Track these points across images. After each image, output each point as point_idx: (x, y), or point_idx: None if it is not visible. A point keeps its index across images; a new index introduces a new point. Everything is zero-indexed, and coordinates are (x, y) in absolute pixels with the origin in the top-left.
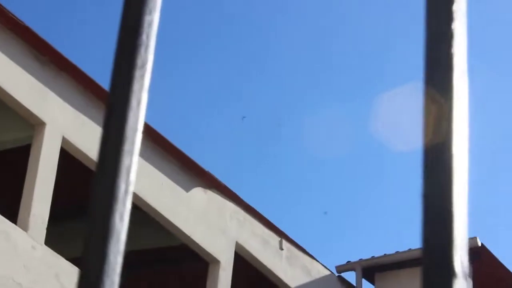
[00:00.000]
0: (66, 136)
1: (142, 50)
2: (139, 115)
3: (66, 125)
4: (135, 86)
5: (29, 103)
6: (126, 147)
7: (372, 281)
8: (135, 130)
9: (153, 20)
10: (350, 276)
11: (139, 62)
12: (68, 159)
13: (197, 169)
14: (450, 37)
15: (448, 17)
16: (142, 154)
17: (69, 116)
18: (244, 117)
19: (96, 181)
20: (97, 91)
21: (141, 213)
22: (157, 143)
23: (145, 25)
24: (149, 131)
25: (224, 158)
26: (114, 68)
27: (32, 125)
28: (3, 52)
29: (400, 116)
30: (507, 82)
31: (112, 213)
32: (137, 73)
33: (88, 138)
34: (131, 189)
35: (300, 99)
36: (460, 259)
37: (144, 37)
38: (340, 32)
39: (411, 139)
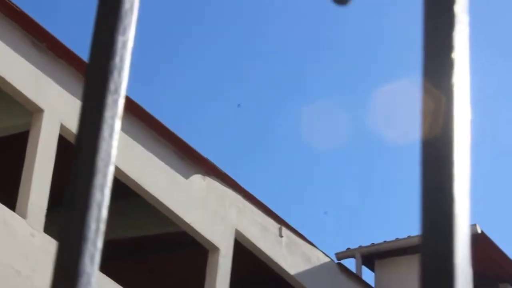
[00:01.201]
0: (64, 123)
1: (115, 74)
2: (111, 145)
3: (64, 111)
4: (107, 113)
5: (27, 89)
6: (97, 181)
7: (372, 268)
8: (107, 163)
9: (128, 39)
10: (350, 263)
11: (111, 87)
12: (67, 145)
13: (196, 156)
14: (450, 27)
15: (449, 10)
16: (140, 141)
17: (67, 102)
18: (239, 104)
19: (65, 220)
20: None
21: (140, 200)
22: (155, 129)
23: (119, 45)
24: (146, 117)
25: (221, 146)
26: (84, 93)
27: (30, 112)
28: (0, 39)
29: (398, 108)
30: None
31: (82, 255)
32: (110, 99)
33: None
34: (102, 227)
35: (298, 89)
36: (462, 254)
37: (117, 59)
38: (337, 22)
39: (409, 130)
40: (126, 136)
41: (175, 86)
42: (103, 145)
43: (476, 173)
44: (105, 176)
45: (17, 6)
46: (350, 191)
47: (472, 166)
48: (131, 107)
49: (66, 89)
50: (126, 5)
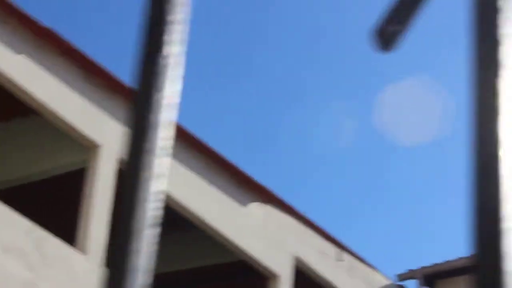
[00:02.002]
0: (121, 157)
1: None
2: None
3: (121, 146)
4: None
5: (83, 126)
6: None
7: None
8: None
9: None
10: (411, 285)
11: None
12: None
13: (253, 185)
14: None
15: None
16: (196, 171)
17: (123, 136)
18: None
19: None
20: None
21: (198, 230)
22: (211, 159)
23: None
24: (202, 147)
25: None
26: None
27: (87, 148)
28: (56, 76)
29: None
30: None
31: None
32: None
33: None
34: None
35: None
36: None
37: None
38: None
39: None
40: (183, 167)
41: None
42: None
43: None
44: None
45: (69, 42)
46: (407, 210)
47: None
48: (187, 138)
49: (122, 123)
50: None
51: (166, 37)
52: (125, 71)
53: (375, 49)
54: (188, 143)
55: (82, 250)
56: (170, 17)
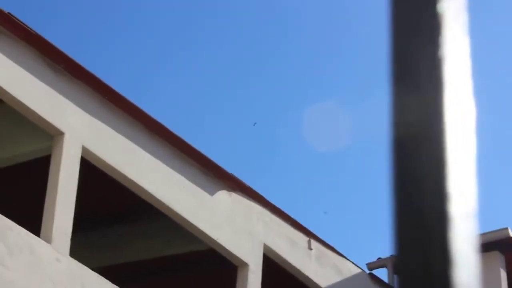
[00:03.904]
0: (85, 145)
1: None
2: None
3: (85, 134)
4: None
5: (46, 113)
6: None
7: None
8: None
9: None
10: (382, 273)
11: None
12: (89, 168)
13: (220, 172)
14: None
15: None
16: (162, 159)
17: (88, 124)
18: (255, 123)
19: None
20: (115, 99)
21: (166, 219)
22: (178, 147)
23: None
24: (169, 135)
25: (228, 154)
26: None
27: (51, 136)
28: (17, 63)
29: None
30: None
31: None
32: None
33: (107, 146)
34: None
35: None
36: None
37: None
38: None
39: None
40: (150, 155)
41: (180, 95)
42: None
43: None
44: None
45: (31, 29)
46: (375, 199)
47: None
48: (154, 126)
49: (85, 111)
50: None
51: None
52: (88, 57)
53: None
54: (154, 131)
55: (47, 239)
56: None
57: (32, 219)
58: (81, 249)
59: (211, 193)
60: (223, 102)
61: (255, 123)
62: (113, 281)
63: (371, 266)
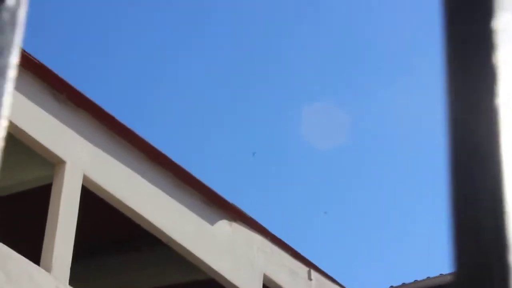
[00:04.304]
0: (86, 174)
1: None
2: None
3: (86, 162)
4: None
5: (48, 142)
6: None
7: None
8: None
9: None
10: None
11: None
12: (90, 196)
13: (221, 202)
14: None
15: None
16: (163, 188)
17: (89, 153)
18: (254, 153)
19: None
20: (116, 127)
21: (166, 248)
22: (178, 176)
23: None
24: (170, 164)
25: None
26: None
27: (52, 164)
28: (18, 91)
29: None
30: None
31: None
32: None
33: (109, 175)
34: None
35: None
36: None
37: None
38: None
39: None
40: (150, 184)
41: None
42: None
43: None
44: None
45: (35, 58)
46: (375, 228)
47: None
48: (156, 156)
49: (87, 140)
50: None
51: None
52: (90, 85)
53: None
54: (155, 160)
55: (47, 267)
56: None
57: (32, 247)
58: (80, 277)
59: (212, 222)
60: (223, 116)
61: (254, 152)
62: None
63: None
